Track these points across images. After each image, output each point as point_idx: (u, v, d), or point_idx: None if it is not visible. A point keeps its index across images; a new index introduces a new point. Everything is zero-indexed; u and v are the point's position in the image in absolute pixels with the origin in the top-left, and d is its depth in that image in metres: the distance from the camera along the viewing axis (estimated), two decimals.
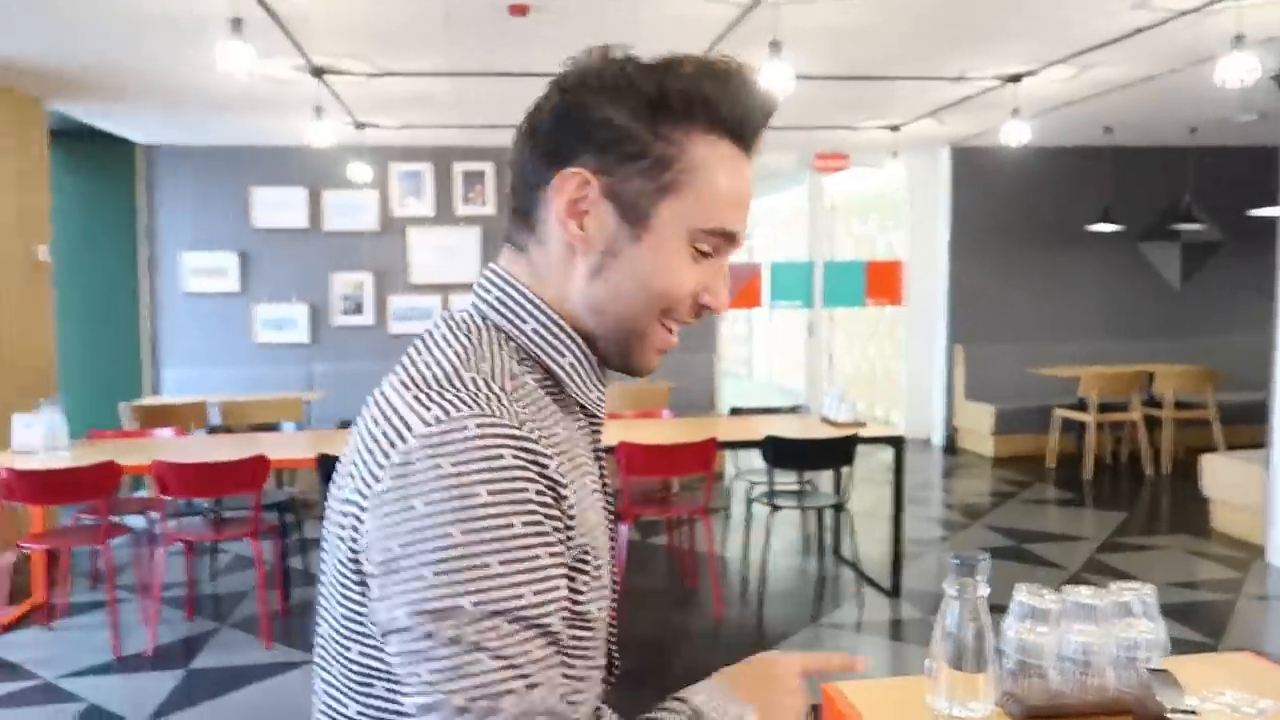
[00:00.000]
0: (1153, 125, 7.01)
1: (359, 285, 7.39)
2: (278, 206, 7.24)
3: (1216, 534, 5.27)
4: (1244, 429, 6.98)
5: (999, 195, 7.74)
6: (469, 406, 0.74)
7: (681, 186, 0.82)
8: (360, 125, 6.37)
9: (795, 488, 4.80)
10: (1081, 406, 6.99)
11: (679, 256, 0.84)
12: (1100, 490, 6.58)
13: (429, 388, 0.77)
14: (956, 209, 7.94)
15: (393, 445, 0.74)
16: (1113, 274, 8.15)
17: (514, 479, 0.72)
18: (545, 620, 0.73)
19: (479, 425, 0.73)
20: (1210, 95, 5.71)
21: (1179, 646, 1.56)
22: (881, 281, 7.67)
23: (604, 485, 0.92)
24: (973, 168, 7.85)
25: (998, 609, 1.37)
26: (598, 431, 0.93)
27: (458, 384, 0.77)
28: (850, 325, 9.90)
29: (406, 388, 0.79)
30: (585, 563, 0.79)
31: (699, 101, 0.82)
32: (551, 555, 0.74)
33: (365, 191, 7.26)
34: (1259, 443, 5.29)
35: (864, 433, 4.32)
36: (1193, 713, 1.12)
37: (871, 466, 6.34)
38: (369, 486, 0.75)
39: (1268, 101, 5.68)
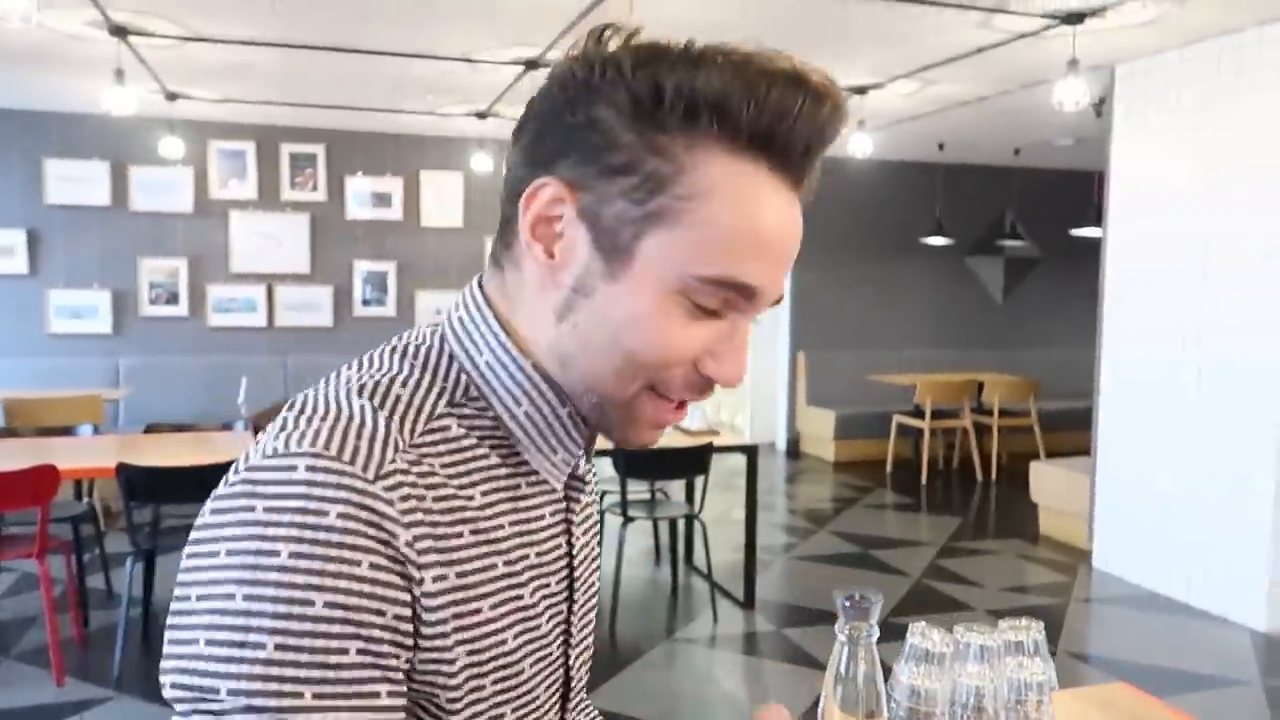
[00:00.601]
0: (981, 144, 7.32)
1: (172, 272, 6.73)
2: (75, 181, 6.47)
3: (1045, 539, 5.49)
4: (1061, 435, 7.40)
5: (841, 205, 7.88)
6: (314, 442, 0.59)
7: (676, 217, 0.62)
8: (172, 96, 5.78)
9: (647, 497, 4.66)
10: (918, 413, 7.20)
11: (667, 310, 0.64)
12: (935, 495, 6.78)
13: (307, 409, 0.63)
14: (805, 219, 8.03)
15: (230, 473, 0.61)
16: (944, 285, 8.49)
17: (335, 544, 0.56)
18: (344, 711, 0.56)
19: (309, 468, 0.58)
20: (1035, 118, 6.01)
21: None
22: None
23: (570, 561, 0.74)
24: (821, 179, 7.96)
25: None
26: (574, 500, 0.76)
27: (335, 411, 0.62)
28: None
29: (291, 406, 0.65)
30: (454, 673, 0.62)
31: (708, 104, 0.61)
32: (365, 655, 0.57)
33: (179, 169, 6.61)
34: (1076, 449, 5.54)
35: (718, 441, 4.23)
36: None
37: (718, 472, 6.28)
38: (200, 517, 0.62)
39: (1086, 128, 5.99)
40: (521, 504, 0.69)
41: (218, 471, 3.39)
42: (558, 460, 0.71)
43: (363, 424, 0.61)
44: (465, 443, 0.66)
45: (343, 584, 0.55)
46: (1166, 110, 4.62)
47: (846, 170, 7.50)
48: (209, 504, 0.59)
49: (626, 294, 0.63)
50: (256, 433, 3.75)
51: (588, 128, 0.63)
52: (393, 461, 0.60)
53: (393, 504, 0.58)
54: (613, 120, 0.62)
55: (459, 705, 0.63)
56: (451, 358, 0.69)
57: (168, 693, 0.57)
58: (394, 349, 0.70)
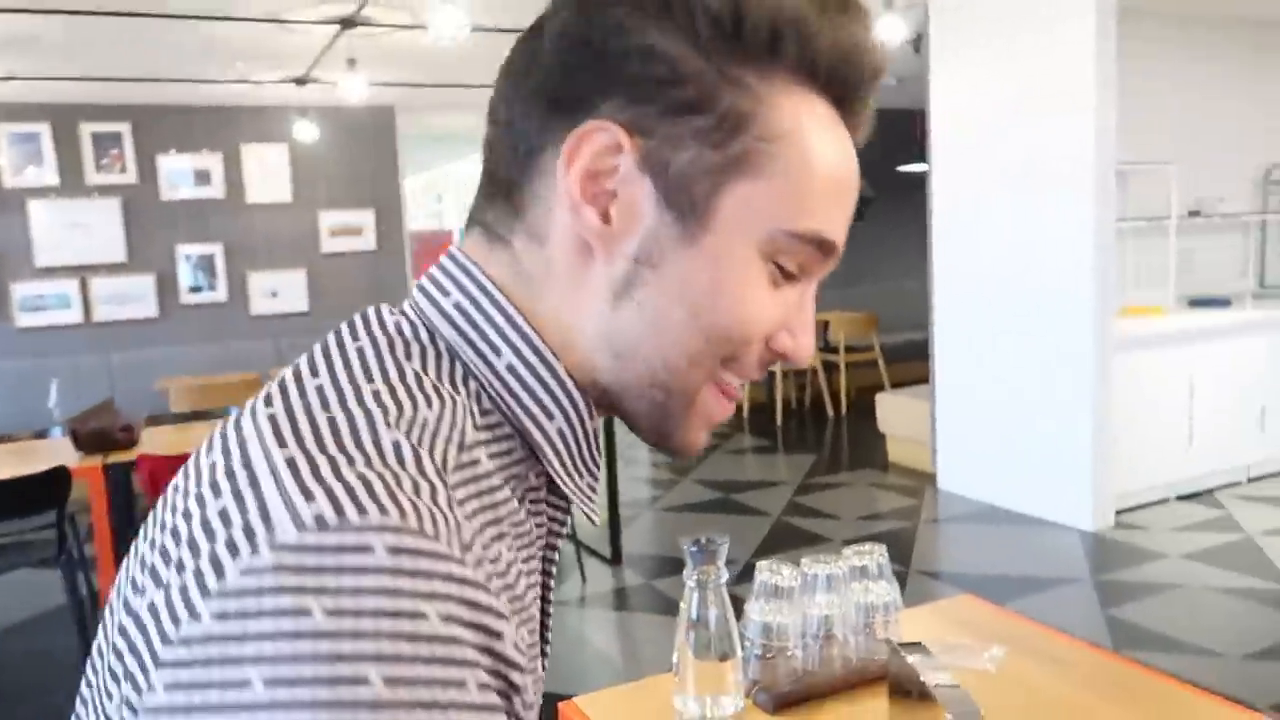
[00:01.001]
0: None
1: None
2: None
3: (894, 466, 5.75)
4: (905, 366, 7.74)
5: None
6: (380, 504, 0.41)
7: (760, 162, 0.52)
8: None
9: None
10: None
11: (753, 275, 0.54)
12: (790, 435, 7.00)
13: (318, 447, 0.44)
14: None
15: (233, 551, 0.40)
16: None
17: (441, 660, 0.39)
18: None
19: (393, 549, 0.40)
20: None
21: None
22: None
23: (545, 593, 0.61)
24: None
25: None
26: (561, 522, 0.61)
27: (369, 451, 0.44)
28: None
29: (279, 436, 0.45)
30: None
31: (792, 32, 0.52)
32: None
33: None
34: (918, 378, 5.81)
35: None
36: (956, 685, 1.04)
37: None
38: (174, 619, 0.40)
39: (907, 65, 6.20)
40: (525, 540, 0.53)
41: (43, 484, 3.12)
42: (583, 484, 0.58)
43: (420, 473, 0.45)
44: (494, 481, 0.51)
45: (453, 716, 0.39)
46: (979, 43, 4.83)
47: None
48: (193, 606, 0.40)
49: (707, 259, 0.53)
50: (77, 439, 3.48)
51: (642, 56, 0.51)
52: (462, 526, 0.44)
53: (490, 590, 0.43)
54: (677, 47, 0.51)
55: None
56: (452, 355, 0.54)
57: None
58: (361, 350, 0.52)
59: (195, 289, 6.67)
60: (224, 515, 0.42)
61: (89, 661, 0.51)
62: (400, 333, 0.54)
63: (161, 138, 6.54)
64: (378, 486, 0.42)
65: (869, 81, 0.55)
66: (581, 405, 0.56)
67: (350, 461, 0.43)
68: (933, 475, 5.34)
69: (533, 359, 0.54)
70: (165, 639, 0.40)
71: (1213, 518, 4.54)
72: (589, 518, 0.61)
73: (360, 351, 0.52)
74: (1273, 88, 6.01)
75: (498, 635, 0.42)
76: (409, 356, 0.52)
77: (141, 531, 0.51)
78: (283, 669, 0.38)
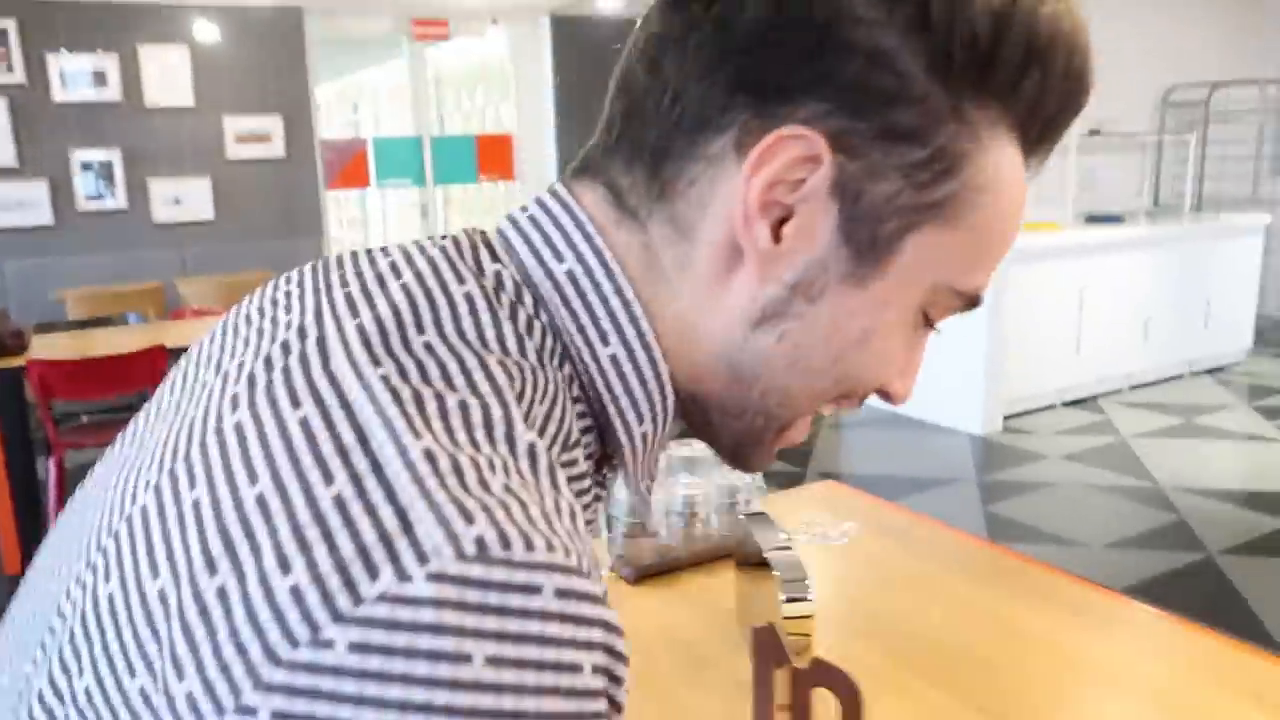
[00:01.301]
0: None
1: None
2: None
3: None
4: None
5: (600, 67, 7.81)
6: (546, 538, 0.37)
7: (959, 212, 0.46)
8: None
9: None
10: None
11: (907, 325, 0.50)
12: None
13: (454, 444, 0.38)
14: (560, 80, 7.92)
15: (371, 572, 0.34)
16: None
17: (590, 716, 0.36)
18: None
19: (561, 591, 0.36)
20: None
21: (776, 479, 1.64)
22: (493, 156, 7.52)
23: None
24: (573, 37, 7.83)
25: None
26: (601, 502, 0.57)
27: (506, 456, 0.39)
28: (465, 203, 9.72)
29: (407, 417, 0.38)
30: None
31: (1037, 65, 0.45)
32: None
33: None
34: None
35: None
36: (788, 547, 1.14)
37: None
38: (288, 637, 0.33)
39: None
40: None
41: None
42: (645, 488, 0.54)
43: (557, 490, 0.40)
44: (585, 484, 0.47)
45: None
46: None
47: (603, 29, 7.41)
48: (307, 620, 0.33)
49: (870, 305, 0.47)
50: None
51: (872, 61, 0.43)
52: (589, 551, 0.40)
53: (622, 633, 0.39)
54: (915, 60, 0.43)
55: None
56: (556, 336, 0.47)
57: None
58: (487, 297, 0.45)
59: (93, 196, 6.43)
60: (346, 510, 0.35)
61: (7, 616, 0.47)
62: (503, 287, 0.46)
63: (52, 35, 6.19)
64: (535, 511, 0.37)
65: (1071, 125, 0.50)
66: (671, 410, 0.50)
67: (492, 468, 0.38)
68: None
69: (642, 358, 0.48)
70: (272, 658, 0.33)
71: (1093, 422, 4.82)
72: (638, 512, 0.54)
73: (470, 300, 0.44)
74: (1174, 8, 6.17)
75: (619, 682, 0.38)
76: (515, 320, 0.45)
77: (122, 464, 0.44)
78: (437, 693, 0.33)
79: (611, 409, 0.49)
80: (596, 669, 0.36)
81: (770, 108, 0.44)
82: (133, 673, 0.35)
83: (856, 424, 4.97)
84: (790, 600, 0.99)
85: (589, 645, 0.36)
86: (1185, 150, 6.16)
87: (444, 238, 0.49)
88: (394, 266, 0.46)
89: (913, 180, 0.45)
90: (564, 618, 0.36)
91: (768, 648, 0.95)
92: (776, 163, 0.44)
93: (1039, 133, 0.48)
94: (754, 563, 1.29)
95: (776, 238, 0.46)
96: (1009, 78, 0.45)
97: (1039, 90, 0.46)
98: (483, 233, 0.51)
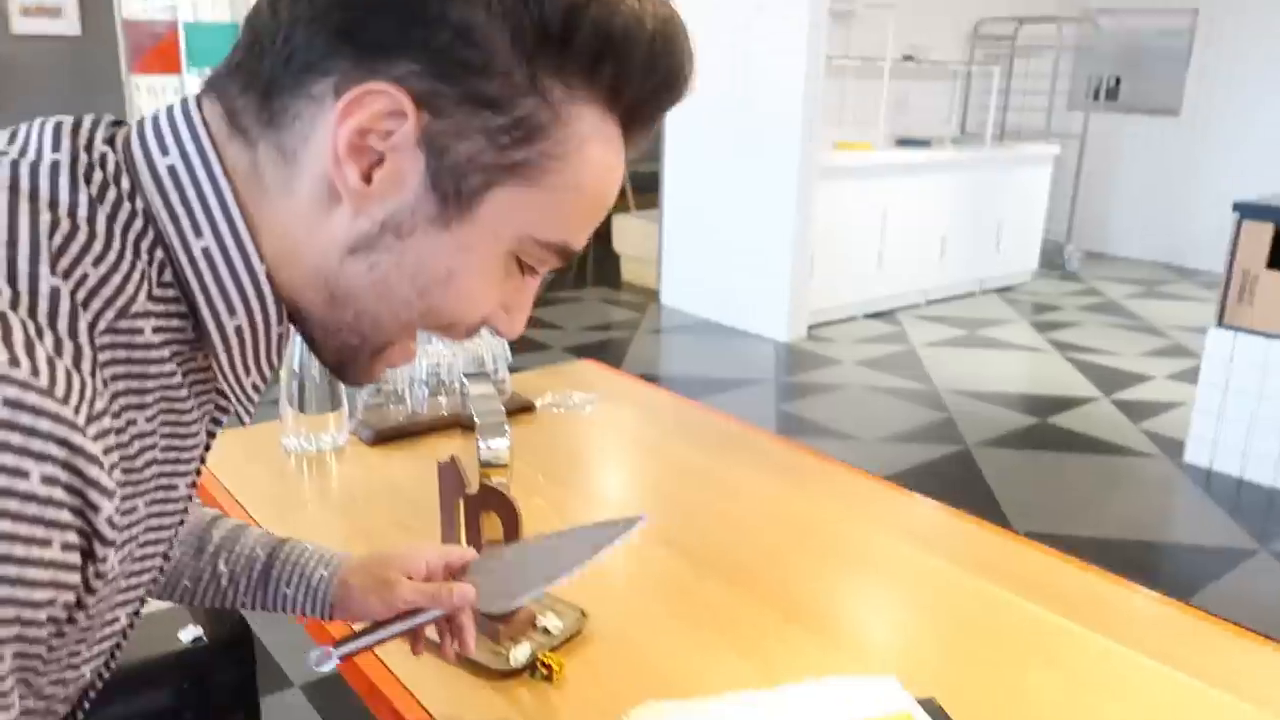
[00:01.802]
0: None
1: None
2: None
3: (626, 284, 6.05)
4: (650, 195, 8.00)
5: None
6: (14, 355, 0.41)
7: (537, 174, 0.53)
8: None
9: None
10: None
11: (492, 268, 0.56)
12: None
13: None
14: None
15: None
16: None
17: (29, 519, 0.42)
18: None
19: (12, 403, 0.41)
20: None
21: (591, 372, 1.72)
22: None
23: (200, 464, 0.61)
24: None
25: None
26: (224, 410, 0.60)
27: (21, 289, 0.44)
28: None
29: None
30: (90, 615, 0.51)
31: (611, 54, 0.52)
32: (19, 654, 0.46)
33: None
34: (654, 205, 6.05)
35: None
36: (493, 395, 1.19)
37: None
38: None
39: None
40: (182, 422, 0.55)
41: None
42: (248, 383, 0.58)
43: (70, 333, 0.45)
44: (155, 355, 0.51)
45: (28, 573, 0.42)
46: None
47: None
48: None
49: (455, 247, 0.54)
50: None
51: (459, 34, 0.49)
52: (99, 394, 0.45)
53: (103, 465, 0.44)
54: (499, 37, 0.49)
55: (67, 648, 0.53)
56: (149, 221, 0.51)
57: None
58: (75, 166, 0.50)
59: None
60: None
61: None
62: (102, 166, 0.51)
63: None
64: (17, 335, 0.42)
65: (668, 110, 0.57)
66: (273, 311, 0.55)
67: None
68: (657, 292, 5.68)
69: (235, 254, 0.53)
70: None
71: (889, 333, 5.17)
72: (240, 416, 0.60)
73: (54, 168, 0.49)
74: None
75: (95, 509, 0.44)
76: (102, 200, 0.50)
77: None
78: None
79: (200, 298, 0.53)
80: (47, 479, 0.42)
81: (368, 61, 0.49)
82: None
83: (671, 330, 5.15)
84: (485, 439, 1.07)
85: (41, 456, 0.41)
86: (991, 81, 6.52)
87: (87, 118, 0.54)
88: (17, 131, 0.52)
89: (494, 143, 0.51)
90: (10, 425, 0.41)
91: (449, 478, 1.03)
92: (364, 113, 0.49)
93: (627, 116, 0.55)
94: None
95: (368, 179, 0.51)
96: (585, 65, 0.52)
97: (617, 80, 0.53)
98: (125, 122, 0.55)
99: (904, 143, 6.00)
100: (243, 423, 0.61)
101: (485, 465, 1.02)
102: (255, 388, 0.59)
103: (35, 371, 0.42)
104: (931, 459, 3.48)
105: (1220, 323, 3.33)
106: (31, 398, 0.41)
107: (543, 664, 0.93)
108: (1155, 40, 6.99)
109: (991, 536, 1.27)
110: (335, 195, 0.52)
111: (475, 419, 1.10)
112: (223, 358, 0.55)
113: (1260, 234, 3.18)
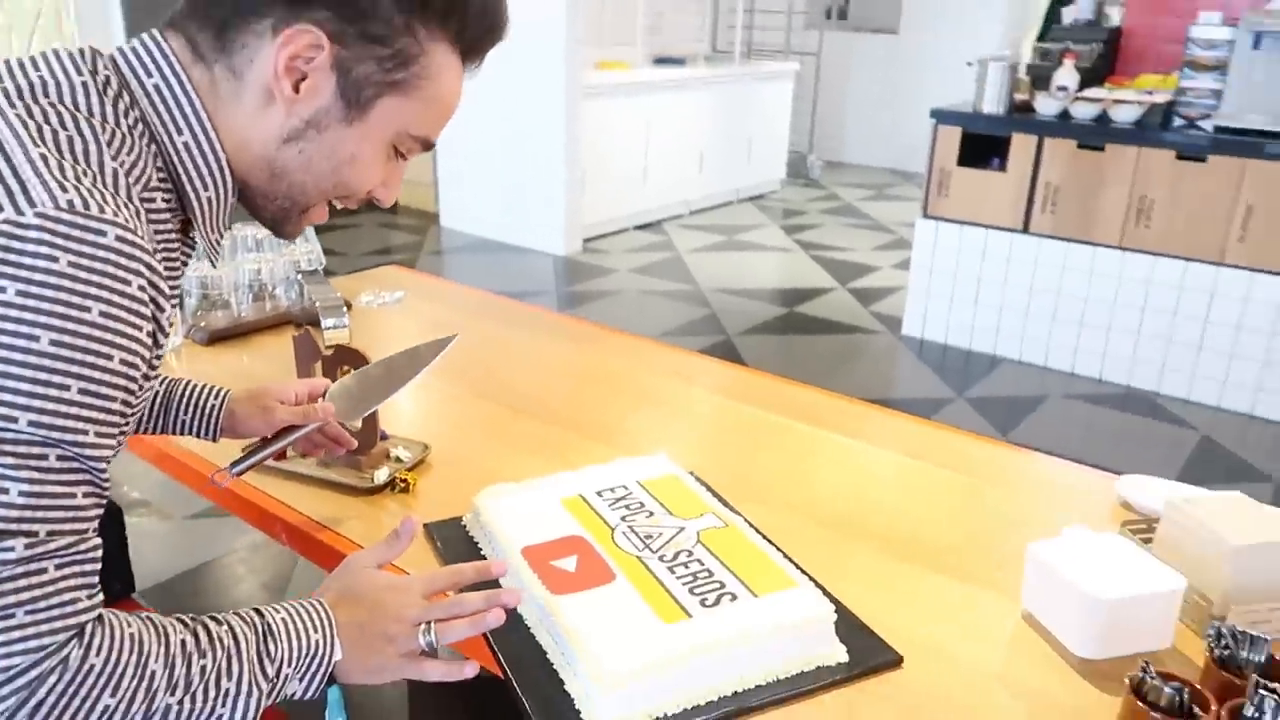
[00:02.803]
0: None
1: None
2: None
3: (404, 209, 6.10)
4: None
5: None
6: (111, 210, 0.64)
7: (411, 89, 0.78)
8: None
9: None
10: None
11: (379, 152, 0.81)
12: None
13: (62, 153, 0.66)
14: None
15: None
16: None
17: (133, 311, 0.65)
18: (96, 469, 0.66)
19: (120, 239, 0.64)
20: None
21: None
22: None
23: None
24: None
25: None
26: (184, 262, 0.84)
27: (96, 169, 0.67)
28: (7, 19, 8.32)
29: (29, 133, 0.65)
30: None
31: (459, 10, 0.78)
32: (126, 405, 0.68)
33: None
34: None
35: None
36: (327, 283, 1.38)
37: None
38: None
39: None
40: (170, 263, 0.78)
41: None
42: (213, 238, 0.82)
43: (127, 193, 0.68)
44: (162, 215, 0.74)
45: (133, 346, 0.66)
46: None
47: None
48: None
49: (356, 137, 0.78)
50: None
51: None
52: (147, 235, 0.68)
53: (163, 280, 0.68)
54: None
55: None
56: (144, 122, 0.74)
57: None
58: (83, 86, 0.71)
59: None
60: None
61: None
62: (110, 85, 0.72)
63: None
64: (108, 195, 0.66)
65: (492, 48, 0.84)
66: (231, 185, 0.79)
67: (85, 173, 0.65)
68: (436, 215, 5.80)
69: (205, 145, 0.76)
70: None
71: (657, 241, 5.58)
72: (212, 260, 0.87)
73: (85, 86, 0.71)
74: None
75: (163, 308, 0.69)
76: (117, 110, 0.72)
77: None
78: (33, 288, 0.61)
79: (184, 178, 0.76)
80: (142, 288, 0.66)
81: (296, 9, 0.73)
82: None
83: (452, 250, 5.31)
84: (329, 319, 1.28)
85: (137, 271, 0.65)
86: (736, 1, 6.98)
87: (79, 49, 0.74)
88: (36, 60, 0.73)
89: (382, 67, 0.76)
90: (120, 252, 0.64)
91: (305, 346, 1.26)
92: (294, 45, 0.73)
93: (466, 50, 0.81)
94: (311, 320, 1.55)
95: (297, 90, 0.75)
96: (440, 15, 0.77)
97: (461, 24, 0.79)
98: (103, 51, 0.76)
99: (661, 61, 6.35)
100: (214, 265, 0.85)
101: (332, 342, 1.25)
102: (218, 241, 0.84)
103: (125, 222, 0.65)
104: (700, 348, 3.92)
105: (925, 214, 3.95)
106: (129, 235, 0.65)
107: (400, 480, 1.19)
108: None
109: (741, 373, 1.64)
110: (271, 100, 0.76)
111: (317, 303, 1.31)
112: (199, 219, 0.79)
113: (951, 137, 3.79)
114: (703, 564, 0.98)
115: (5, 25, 8.32)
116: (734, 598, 0.93)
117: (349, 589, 0.83)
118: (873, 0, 7.78)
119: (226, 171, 0.78)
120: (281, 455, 1.09)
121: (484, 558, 1.05)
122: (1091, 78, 4.01)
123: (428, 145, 0.84)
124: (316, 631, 0.78)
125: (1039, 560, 0.97)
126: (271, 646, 0.75)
